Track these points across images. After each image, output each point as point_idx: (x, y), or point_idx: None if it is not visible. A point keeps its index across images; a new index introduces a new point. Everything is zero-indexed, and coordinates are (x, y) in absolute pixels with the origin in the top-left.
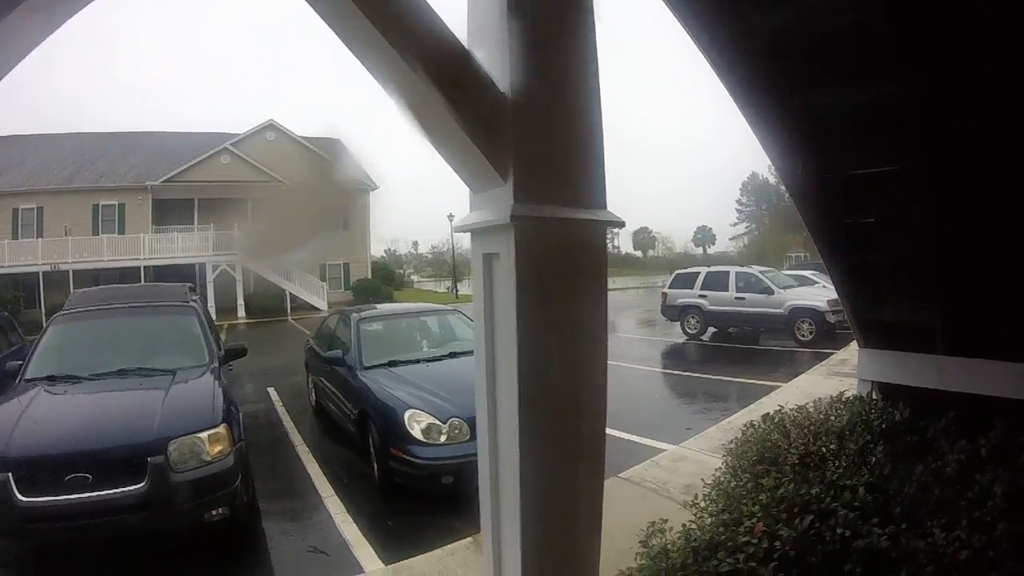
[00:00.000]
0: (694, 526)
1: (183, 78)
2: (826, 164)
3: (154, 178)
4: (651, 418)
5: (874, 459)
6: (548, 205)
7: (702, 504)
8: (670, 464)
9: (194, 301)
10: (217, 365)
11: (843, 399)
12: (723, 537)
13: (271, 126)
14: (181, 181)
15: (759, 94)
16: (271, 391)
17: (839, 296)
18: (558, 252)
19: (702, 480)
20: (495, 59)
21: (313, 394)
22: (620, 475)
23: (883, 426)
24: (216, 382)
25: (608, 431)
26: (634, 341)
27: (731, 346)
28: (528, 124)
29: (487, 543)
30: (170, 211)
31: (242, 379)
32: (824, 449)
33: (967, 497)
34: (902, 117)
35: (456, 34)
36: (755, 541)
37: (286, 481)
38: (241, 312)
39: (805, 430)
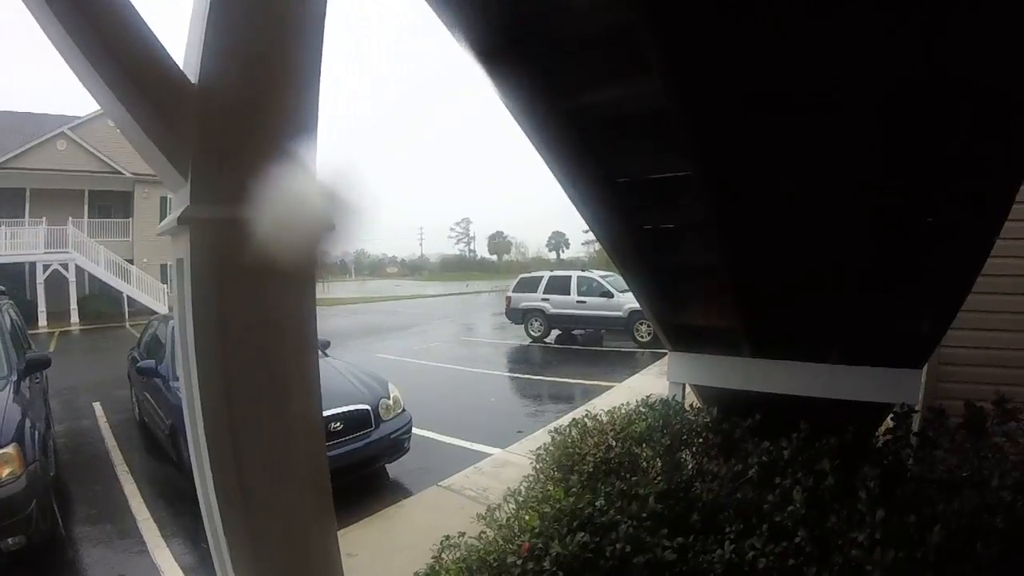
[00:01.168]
0: (475, 542)
1: (18, 49)
2: (616, 169)
3: None
4: (484, 422)
5: (672, 464)
6: (238, 205)
7: (497, 515)
8: (493, 470)
9: None
10: (16, 378)
11: (648, 402)
12: (491, 557)
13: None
14: (11, 168)
15: (527, 95)
16: (97, 406)
17: (639, 302)
18: (250, 257)
19: (508, 488)
20: (194, 42)
21: (136, 408)
22: (440, 483)
23: (686, 430)
24: (12, 396)
25: (436, 436)
26: (479, 344)
27: (574, 348)
28: (216, 115)
29: None
30: None
31: (73, 391)
32: (621, 455)
33: (768, 501)
34: (673, 121)
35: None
36: (519, 562)
37: (102, 504)
38: (75, 317)
39: (607, 435)
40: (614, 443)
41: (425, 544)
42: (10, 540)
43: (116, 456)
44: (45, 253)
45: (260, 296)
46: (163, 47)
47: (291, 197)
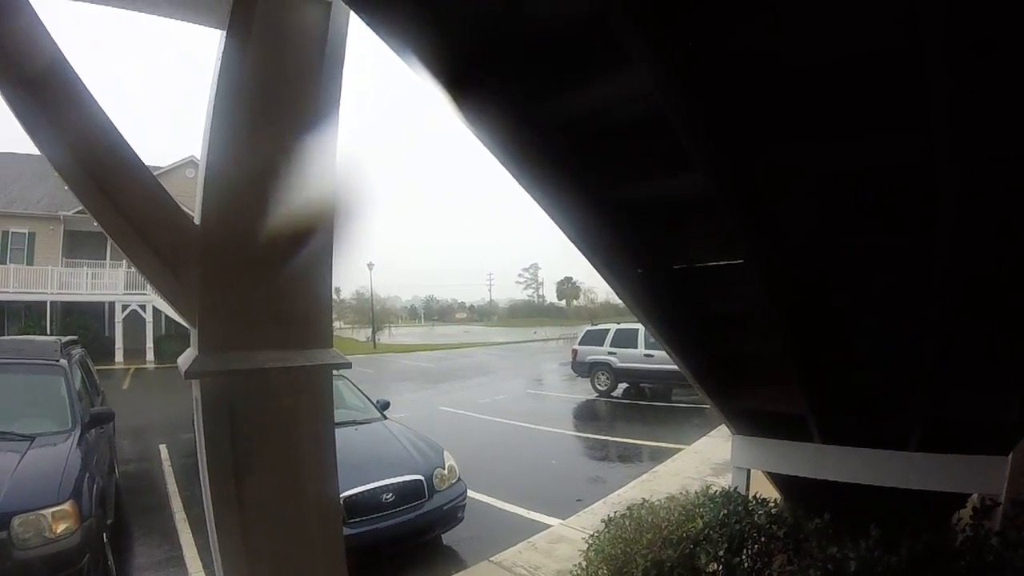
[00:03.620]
0: None
1: (107, 103)
2: (670, 256)
3: (67, 208)
4: (543, 487)
5: (728, 572)
6: (246, 353)
7: None
8: (547, 546)
9: (66, 358)
10: (80, 432)
11: (709, 493)
12: None
13: (192, 163)
14: None
15: (568, 189)
16: (163, 448)
17: (697, 387)
18: (263, 402)
19: (572, 568)
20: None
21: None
22: (492, 559)
23: (746, 528)
24: (75, 450)
25: (493, 502)
26: (545, 398)
27: (641, 403)
28: (221, 259)
29: None
30: (82, 244)
31: (142, 431)
32: (674, 559)
33: None
34: (717, 209)
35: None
36: None
37: (157, 553)
38: (150, 355)
39: (662, 532)
40: (670, 539)
41: None
42: None
43: (176, 503)
44: (124, 294)
45: (280, 437)
46: (169, 196)
47: (307, 338)
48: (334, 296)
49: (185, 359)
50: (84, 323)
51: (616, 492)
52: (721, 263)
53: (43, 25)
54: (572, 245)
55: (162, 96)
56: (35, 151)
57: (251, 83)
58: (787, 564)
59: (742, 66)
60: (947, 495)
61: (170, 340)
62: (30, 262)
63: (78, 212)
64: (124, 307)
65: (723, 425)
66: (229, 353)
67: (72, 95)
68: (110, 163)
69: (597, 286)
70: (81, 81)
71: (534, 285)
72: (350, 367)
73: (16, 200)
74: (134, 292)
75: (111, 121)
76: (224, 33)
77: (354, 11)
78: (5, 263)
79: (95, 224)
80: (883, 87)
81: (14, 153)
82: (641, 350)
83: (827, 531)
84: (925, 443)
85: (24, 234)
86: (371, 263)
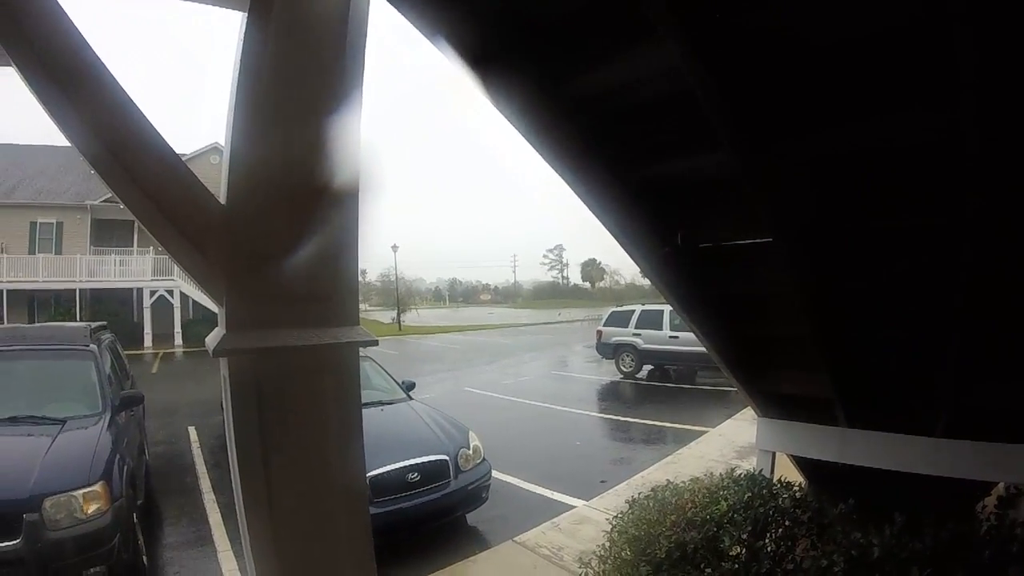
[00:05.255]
0: None
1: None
2: (697, 234)
3: (94, 197)
4: (567, 468)
5: (751, 555)
6: (272, 331)
7: None
8: (570, 527)
9: (96, 343)
10: (111, 415)
11: (734, 476)
12: None
13: (216, 149)
14: (119, 202)
15: (594, 168)
16: (192, 430)
17: (723, 368)
18: (290, 381)
19: (596, 548)
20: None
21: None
22: (516, 539)
23: (771, 512)
24: (105, 432)
25: (518, 483)
26: (569, 379)
27: (666, 385)
28: (247, 237)
29: None
30: (110, 232)
31: (171, 413)
32: (697, 540)
33: None
34: (744, 188)
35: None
36: None
37: (186, 532)
38: (178, 340)
39: (685, 513)
40: (693, 521)
41: None
42: (92, 570)
43: (205, 484)
44: (152, 280)
45: (308, 418)
46: (191, 174)
47: (334, 315)
48: (360, 278)
49: (213, 338)
50: (113, 309)
51: (640, 474)
52: (747, 243)
53: (64, 11)
54: (598, 225)
55: (181, 86)
56: (61, 143)
57: (274, 62)
58: (811, 549)
59: (767, 43)
60: (972, 483)
61: (197, 324)
62: (59, 251)
63: (105, 200)
64: (152, 293)
65: (748, 408)
66: (256, 331)
67: (95, 78)
68: (133, 144)
69: (622, 268)
70: (103, 64)
71: (559, 266)
72: (377, 344)
73: (43, 191)
74: (161, 278)
75: (134, 102)
76: (245, 15)
77: None
78: (34, 253)
79: (122, 210)
80: (909, 63)
81: (41, 145)
82: (666, 332)
83: (851, 517)
84: (951, 429)
85: (52, 224)
86: (396, 245)
